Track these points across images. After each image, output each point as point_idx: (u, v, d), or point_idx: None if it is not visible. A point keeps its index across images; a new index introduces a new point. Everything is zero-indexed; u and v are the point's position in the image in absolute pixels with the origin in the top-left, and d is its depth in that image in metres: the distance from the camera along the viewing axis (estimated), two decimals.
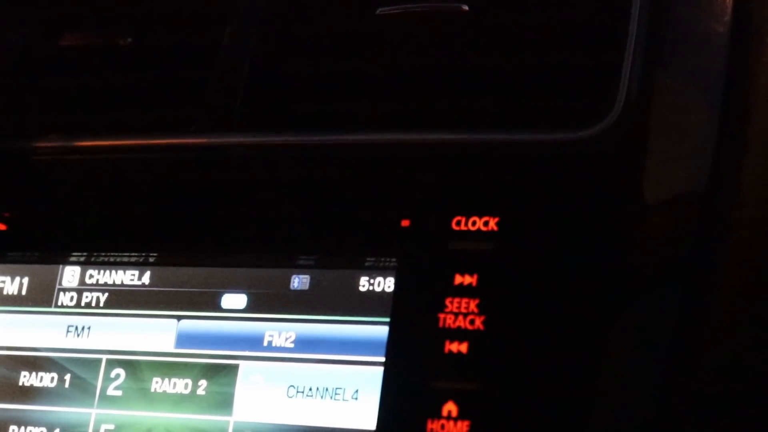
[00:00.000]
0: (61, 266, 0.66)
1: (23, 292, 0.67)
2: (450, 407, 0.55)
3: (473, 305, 0.56)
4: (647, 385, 0.54)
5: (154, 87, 0.65)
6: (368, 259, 0.59)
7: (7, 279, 0.67)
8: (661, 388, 0.54)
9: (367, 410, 0.57)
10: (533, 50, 0.60)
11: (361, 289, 0.59)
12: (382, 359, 0.58)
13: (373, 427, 0.57)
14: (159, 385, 0.61)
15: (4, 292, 0.67)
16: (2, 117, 0.68)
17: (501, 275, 0.57)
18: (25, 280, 0.67)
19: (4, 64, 0.68)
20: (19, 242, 0.67)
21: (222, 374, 0.60)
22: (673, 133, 0.57)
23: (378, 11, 0.61)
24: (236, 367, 0.60)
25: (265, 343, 0.60)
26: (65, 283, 0.66)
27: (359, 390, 0.58)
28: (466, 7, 0.59)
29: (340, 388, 0.58)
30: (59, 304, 0.66)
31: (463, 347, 0.56)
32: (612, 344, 0.55)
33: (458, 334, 0.56)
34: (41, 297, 0.66)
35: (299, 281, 0.60)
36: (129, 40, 0.66)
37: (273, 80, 0.64)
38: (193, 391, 0.60)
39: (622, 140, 0.57)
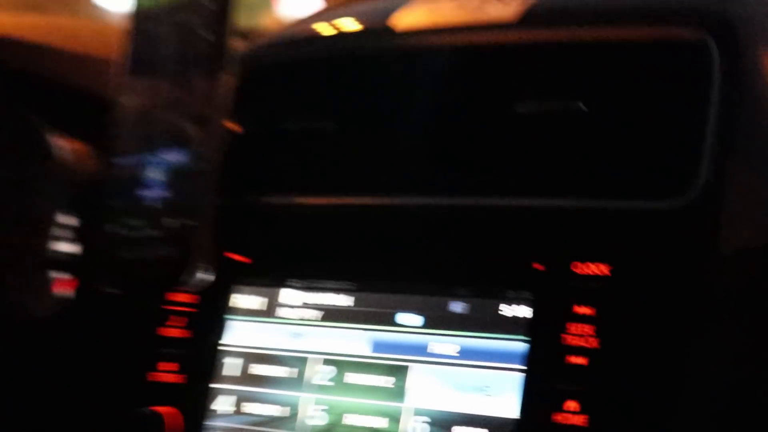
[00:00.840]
0: (286, 289, 0.75)
1: (261, 308, 0.76)
2: (571, 404, 0.62)
3: (590, 329, 0.63)
4: (725, 406, 0.60)
5: (374, 155, 0.73)
6: (510, 291, 0.66)
7: (251, 297, 0.77)
8: (736, 412, 0.60)
9: (509, 404, 0.64)
10: (629, 129, 0.65)
11: (505, 314, 0.66)
12: (521, 366, 0.64)
13: (514, 416, 0.64)
14: (355, 379, 0.70)
15: (249, 307, 0.77)
16: (249, 180, 0.78)
17: (612, 308, 0.62)
18: (263, 299, 0.76)
19: (247, 141, 0.77)
20: (259, 272, 0.76)
21: (399, 372, 0.68)
22: (755, 204, 0.62)
23: (518, 109, 0.68)
24: (406, 368, 0.68)
25: (430, 351, 0.68)
26: (289, 302, 0.75)
27: (503, 389, 0.64)
28: (585, 108, 0.66)
29: (488, 386, 0.65)
30: (284, 316, 0.75)
31: (582, 360, 0.62)
32: (693, 371, 0.61)
33: (578, 351, 0.62)
34: (271, 311, 0.75)
35: (457, 306, 0.68)
36: (332, 126, 0.75)
37: (438, 152, 0.72)
38: (379, 384, 0.69)
39: (704, 210, 0.62)
